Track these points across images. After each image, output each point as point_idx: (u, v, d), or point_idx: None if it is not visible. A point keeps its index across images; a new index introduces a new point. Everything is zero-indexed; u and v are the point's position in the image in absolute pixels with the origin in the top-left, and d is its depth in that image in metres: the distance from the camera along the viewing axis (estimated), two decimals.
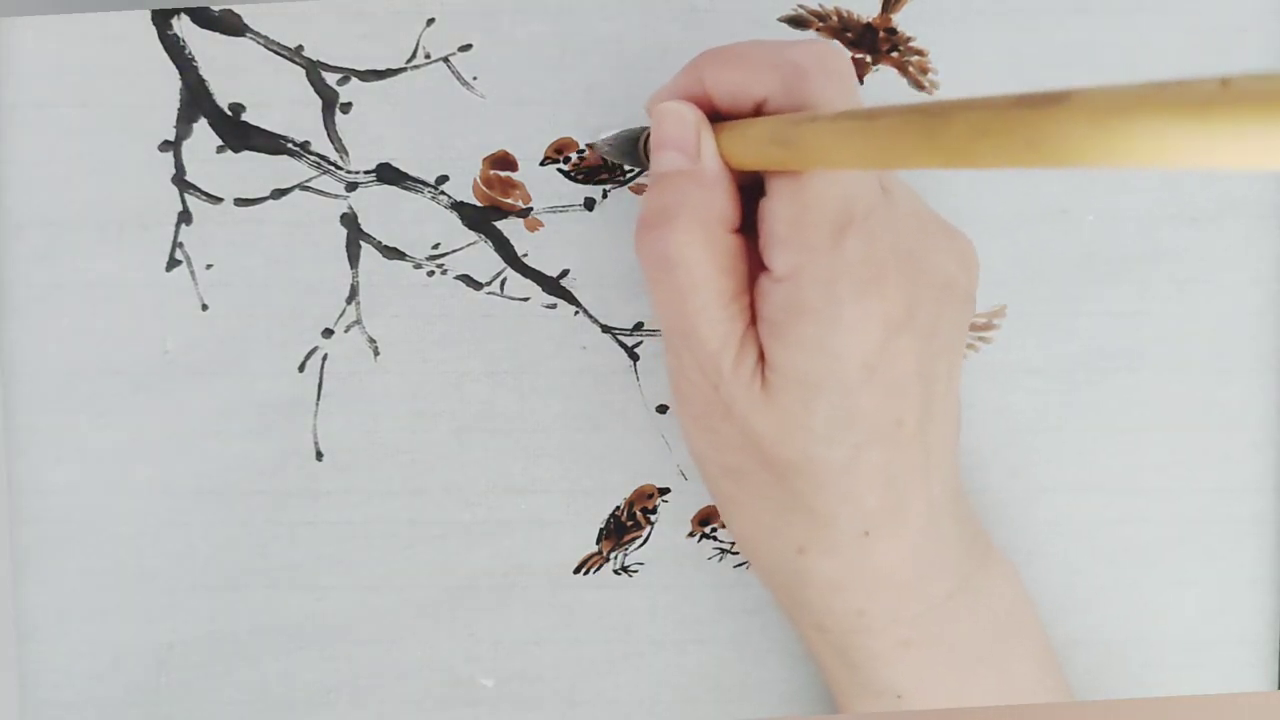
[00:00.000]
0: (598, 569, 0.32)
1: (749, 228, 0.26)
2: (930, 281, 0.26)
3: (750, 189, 0.26)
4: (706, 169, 0.25)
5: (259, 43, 0.31)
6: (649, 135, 0.27)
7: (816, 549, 0.26)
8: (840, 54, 0.25)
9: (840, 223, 0.24)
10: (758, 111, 0.25)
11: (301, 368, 0.31)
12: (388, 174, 0.31)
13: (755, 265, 0.26)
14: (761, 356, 0.25)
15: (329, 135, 0.31)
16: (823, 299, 0.24)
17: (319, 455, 0.31)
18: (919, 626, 0.27)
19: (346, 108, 0.31)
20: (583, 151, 0.31)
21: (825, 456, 0.25)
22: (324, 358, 0.31)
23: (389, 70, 0.31)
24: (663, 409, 0.32)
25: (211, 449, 0.31)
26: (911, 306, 0.25)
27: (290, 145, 0.31)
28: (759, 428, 0.25)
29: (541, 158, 0.31)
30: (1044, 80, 0.31)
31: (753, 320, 0.26)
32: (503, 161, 0.31)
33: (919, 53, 0.31)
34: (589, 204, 0.31)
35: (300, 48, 0.31)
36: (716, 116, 0.26)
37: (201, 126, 0.31)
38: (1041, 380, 0.32)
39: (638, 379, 0.31)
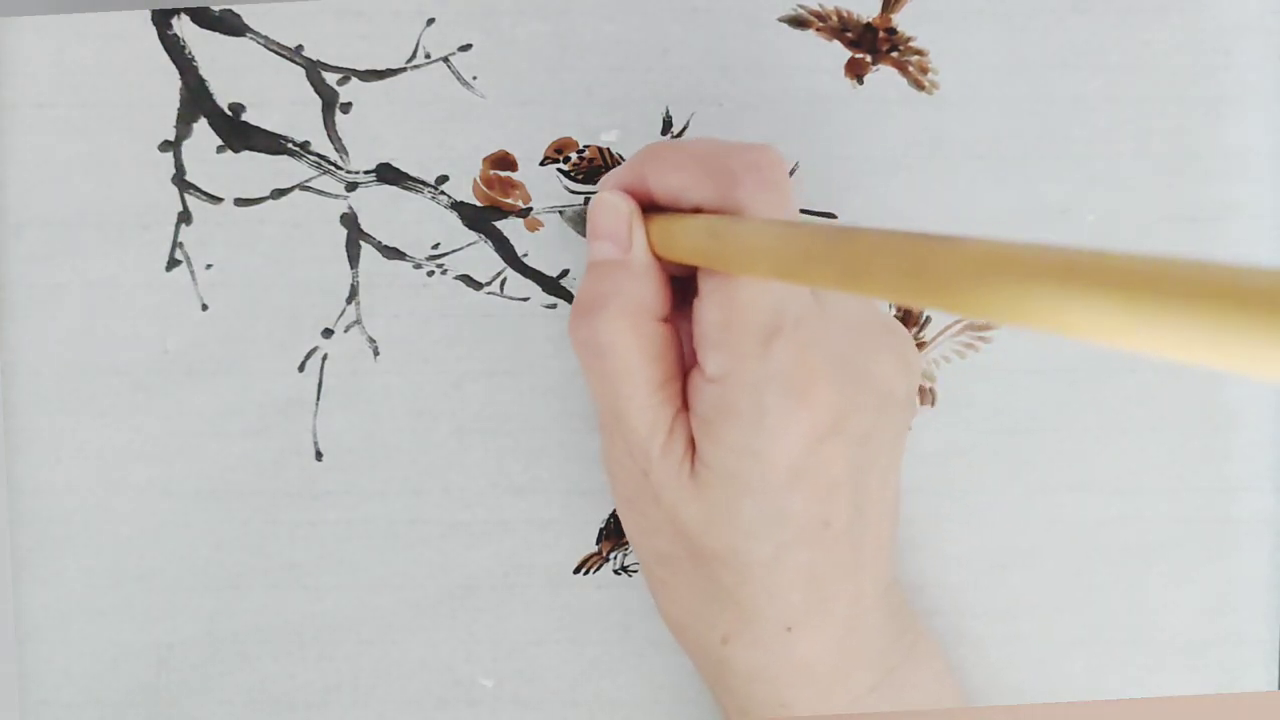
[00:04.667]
0: (598, 569, 0.32)
1: (681, 315, 0.26)
2: (865, 388, 0.26)
3: (686, 279, 0.26)
4: (636, 260, 0.26)
5: (259, 43, 0.31)
6: None
7: (740, 640, 0.27)
8: (777, 164, 0.26)
9: (769, 330, 0.25)
10: (695, 212, 0.26)
11: (301, 368, 0.31)
12: (388, 174, 0.31)
13: (688, 353, 0.26)
14: (691, 444, 0.26)
15: (329, 135, 0.31)
16: (749, 404, 0.25)
17: (319, 455, 0.31)
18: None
19: (346, 108, 0.31)
20: (583, 151, 0.31)
21: (750, 551, 0.25)
22: (324, 358, 0.31)
23: (389, 70, 0.31)
24: None
25: (211, 449, 0.31)
26: (842, 413, 0.25)
27: (290, 145, 0.31)
28: (686, 516, 0.26)
29: (541, 158, 0.31)
30: (1044, 80, 0.31)
31: (683, 406, 0.26)
32: (503, 161, 0.31)
33: (919, 53, 0.31)
34: (589, 204, 0.31)
35: (300, 48, 0.31)
36: (657, 207, 0.27)
37: (201, 126, 0.31)
38: (1041, 380, 0.32)
39: None
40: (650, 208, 0.27)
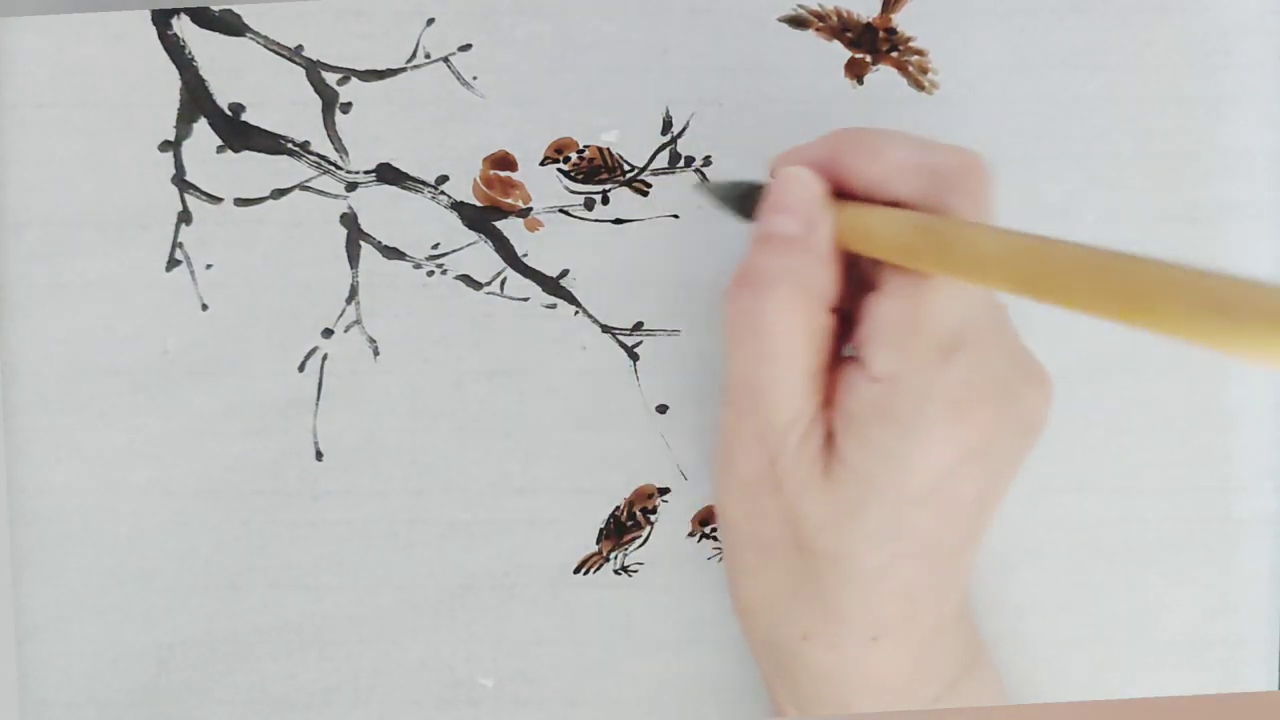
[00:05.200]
0: (598, 569, 0.32)
1: (841, 310, 0.26)
2: (1015, 416, 0.25)
3: (849, 272, 0.26)
4: (819, 242, 0.25)
5: (259, 43, 0.31)
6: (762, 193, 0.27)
7: (821, 640, 0.26)
8: (983, 167, 0.25)
9: (952, 340, 0.24)
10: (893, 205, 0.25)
11: (301, 368, 0.31)
12: (388, 174, 0.31)
13: (837, 348, 0.26)
14: (828, 442, 0.25)
15: (329, 135, 0.31)
16: (912, 411, 0.24)
17: (319, 455, 0.31)
18: None
19: (346, 108, 0.31)
20: (583, 151, 0.31)
21: (863, 558, 0.25)
22: (324, 358, 0.31)
23: (389, 70, 0.31)
24: (662, 409, 0.32)
25: (211, 449, 0.31)
26: (991, 438, 0.25)
27: (290, 145, 0.31)
28: (808, 512, 0.25)
29: (541, 158, 0.31)
30: (1044, 80, 0.31)
31: (826, 401, 0.25)
32: (503, 161, 0.31)
33: (919, 53, 0.31)
34: (589, 204, 0.31)
35: (300, 48, 0.31)
36: (839, 194, 0.26)
37: (201, 126, 0.31)
38: None
39: (637, 379, 0.31)
40: (836, 193, 0.26)
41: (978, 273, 0.22)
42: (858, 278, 0.26)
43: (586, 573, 0.32)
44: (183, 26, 0.31)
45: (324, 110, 0.31)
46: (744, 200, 0.28)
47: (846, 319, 0.26)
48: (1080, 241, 0.20)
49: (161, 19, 0.30)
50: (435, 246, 0.31)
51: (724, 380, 0.27)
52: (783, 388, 0.25)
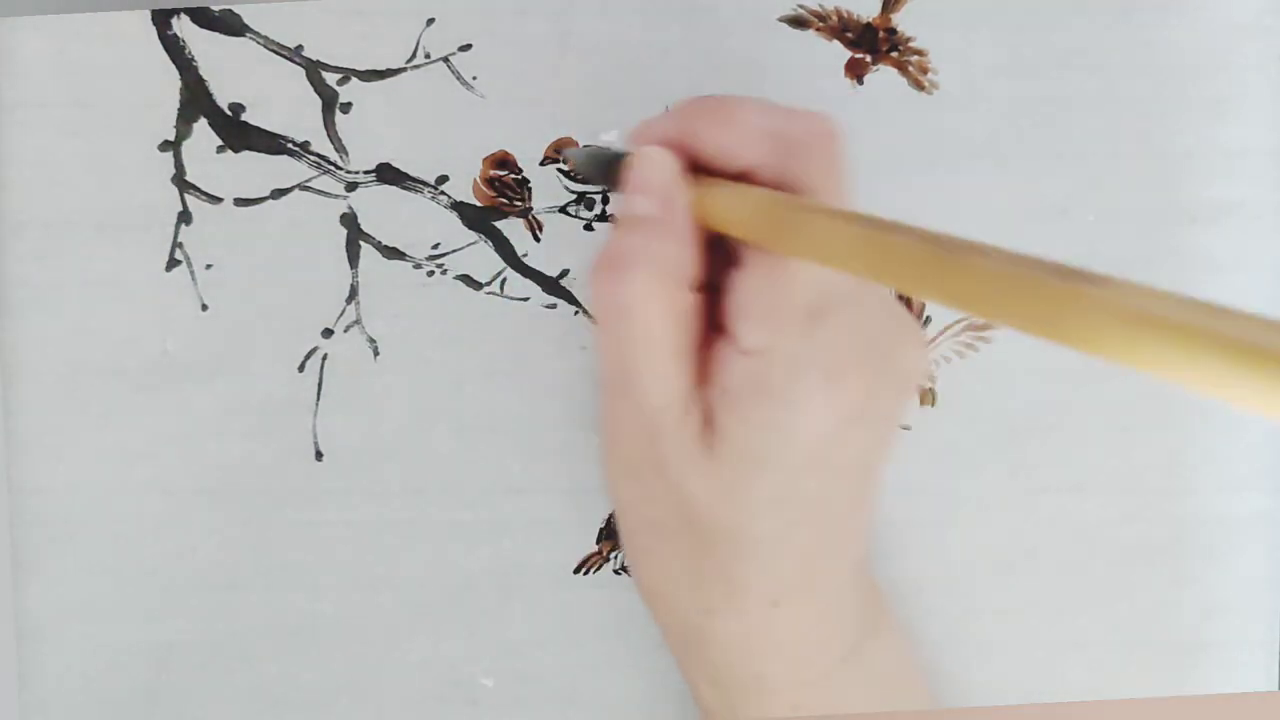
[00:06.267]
0: (598, 569, 0.32)
1: (707, 286, 0.26)
2: (891, 374, 0.26)
3: (713, 247, 0.26)
4: (676, 222, 0.25)
5: (259, 43, 0.31)
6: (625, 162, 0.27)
7: (724, 612, 0.26)
8: (837, 135, 0.25)
9: (816, 309, 0.24)
10: (741, 176, 0.25)
11: (301, 368, 0.31)
12: (388, 174, 0.31)
13: (707, 325, 0.25)
14: (708, 420, 0.25)
15: (329, 135, 0.31)
16: (784, 382, 0.24)
17: (319, 455, 0.31)
18: (810, 691, 0.27)
19: (346, 108, 0.31)
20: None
21: (755, 528, 0.25)
22: (324, 358, 0.31)
23: (389, 70, 0.31)
24: None
25: (211, 449, 0.31)
26: (869, 399, 0.25)
27: (290, 145, 0.31)
28: (695, 490, 0.25)
29: (541, 158, 0.31)
30: (1044, 80, 0.31)
31: (701, 379, 0.25)
32: (503, 161, 0.31)
33: (919, 53, 0.31)
34: (589, 204, 0.31)
35: (300, 48, 0.31)
36: (697, 167, 0.26)
37: (201, 126, 0.31)
38: (1041, 380, 0.32)
39: None
40: (693, 165, 0.26)
41: (817, 257, 0.22)
42: (723, 252, 0.26)
43: (586, 573, 0.32)
44: (183, 26, 0.31)
45: (324, 110, 0.31)
46: (607, 168, 0.27)
47: (715, 294, 0.26)
48: (923, 227, 0.20)
49: (161, 19, 0.30)
50: (435, 246, 0.31)
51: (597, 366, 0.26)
52: (652, 370, 0.25)
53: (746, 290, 0.24)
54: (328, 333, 0.31)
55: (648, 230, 0.25)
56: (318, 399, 0.31)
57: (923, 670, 0.31)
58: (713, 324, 0.26)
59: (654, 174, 0.25)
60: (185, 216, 0.31)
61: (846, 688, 0.28)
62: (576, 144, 0.31)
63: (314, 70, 0.31)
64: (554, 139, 0.31)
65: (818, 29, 0.31)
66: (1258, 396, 0.14)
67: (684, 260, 0.25)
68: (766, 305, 0.24)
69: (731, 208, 0.24)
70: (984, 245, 0.18)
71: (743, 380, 0.24)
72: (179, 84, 0.31)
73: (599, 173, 0.28)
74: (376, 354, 0.31)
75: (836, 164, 0.24)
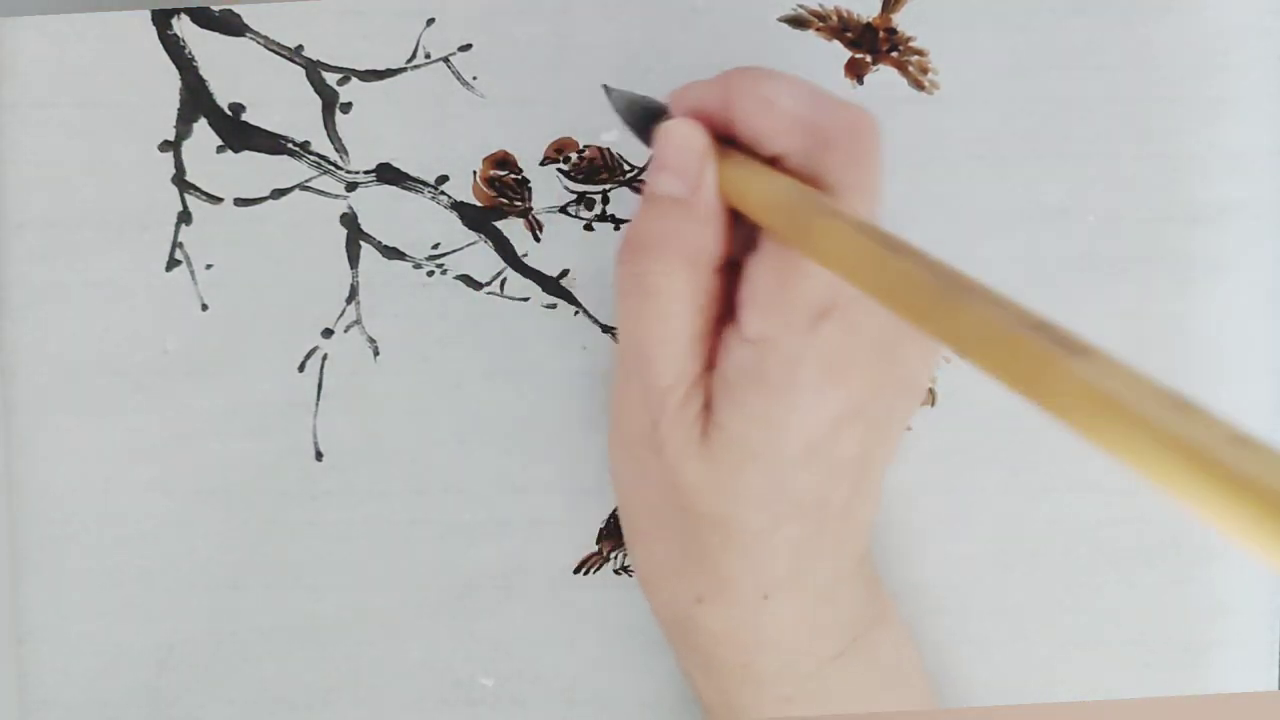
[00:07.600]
0: (598, 569, 0.32)
1: (731, 264, 0.25)
2: (895, 377, 0.26)
3: (740, 221, 0.25)
4: (704, 204, 0.24)
5: (259, 43, 0.31)
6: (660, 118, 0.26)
7: (714, 602, 0.26)
8: (873, 132, 0.24)
9: (823, 306, 0.24)
10: (772, 160, 0.25)
11: (301, 368, 0.31)
12: (388, 174, 0.31)
13: (727, 307, 0.25)
14: (707, 405, 0.25)
15: (329, 135, 0.31)
16: (783, 375, 0.24)
17: (319, 455, 0.31)
18: (804, 684, 0.27)
19: (346, 108, 0.31)
20: (583, 151, 0.31)
21: (745, 520, 0.25)
22: (324, 358, 0.31)
23: (389, 70, 0.31)
24: None
25: (211, 449, 0.31)
26: (869, 399, 0.25)
27: (290, 145, 0.31)
28: (687, 476, 0.25)
29: (541, 158, 0.31)
30: (1044, 80, 0.31)
31: (708, 365, 0.25)
32: (503, 161, 0.31)
33: (919, 53, 0.31)
34: (589, 204, 0.31)
35: (300, 48, 0.31)
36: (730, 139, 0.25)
37: (201, 126, 0.31)
38: None
39: None
40: (725, 139, 0.25)
41: (822, 260, 0.22)
42: (745, 233, 0.25)
43: (586, 573, 0.32)
44: (183, 26, 0.31)
45: (324, 110, 0.31)
46: (644, 120, 0.27)
47: (738, 273, 0.25)
48: (934, 258, 0.19)
49: (161, 19, 0.30)
50: (435, 246, 0.31)
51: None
52: (667, 350, 0.25)
53: (757, 278, 0.24)
54: (328, 333, 0.31)
55: (675, 213, 0.25)
56: (318, 399, 0.31)
57: (921, 661, 0.31)
58: (729, 306, 0.25)
59: (679, 153, 0.25)
60: (185, 216, 0.31)
61: (842, 682, 0.28)
62: (576, 144, 0.31)
63: (314, 70, 0.31)
64: (554, 139, 0.31)
65: (818, 29, 0.31)
66: (1210, 509, 0.15)
67: (709, 244, 0.25)
68: (774, 296, 0.24)
69: (754, 192, 0.24)
70: (986, 291, 0.18)
71: (741, 368, 0.24)
72: (179, 84, 0.31)
73: (635, 121, 0.27)
74: (376, 354, 0.31)
75: (867, 163, 0.24)
